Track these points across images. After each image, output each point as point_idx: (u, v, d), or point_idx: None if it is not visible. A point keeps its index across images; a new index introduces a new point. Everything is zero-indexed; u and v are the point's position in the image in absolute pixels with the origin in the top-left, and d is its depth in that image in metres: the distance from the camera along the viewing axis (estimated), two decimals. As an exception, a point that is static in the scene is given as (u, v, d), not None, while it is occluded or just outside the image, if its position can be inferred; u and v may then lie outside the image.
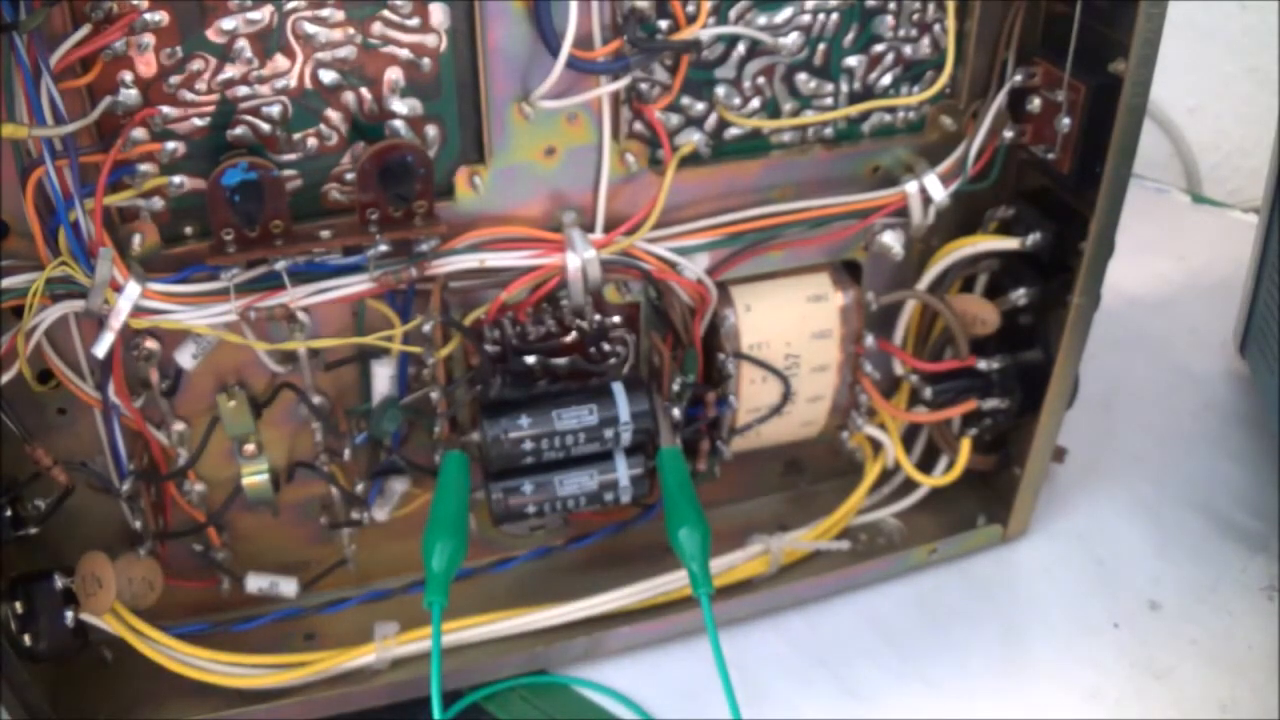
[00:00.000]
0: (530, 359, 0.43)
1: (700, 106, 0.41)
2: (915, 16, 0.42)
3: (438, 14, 0.36)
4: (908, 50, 0.43)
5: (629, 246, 0.41)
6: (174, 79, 0.35)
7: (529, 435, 0.41)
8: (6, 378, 0.36)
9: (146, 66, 0.34)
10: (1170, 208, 0.82)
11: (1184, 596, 0.51)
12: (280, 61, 0.35)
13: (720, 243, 0.43)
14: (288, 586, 0.44)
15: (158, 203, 0.36)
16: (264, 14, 0.35)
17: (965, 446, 0.50)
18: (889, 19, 0.42)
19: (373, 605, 0.46)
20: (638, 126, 0.41)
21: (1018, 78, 0.43)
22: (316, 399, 0.41)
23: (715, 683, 0.38)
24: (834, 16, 0.41)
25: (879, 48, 0.42)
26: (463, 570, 0.43)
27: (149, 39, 0.34)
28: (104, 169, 0.34)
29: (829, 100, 0.43)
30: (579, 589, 0.46)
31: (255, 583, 0.44)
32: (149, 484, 0.41)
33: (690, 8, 0.39)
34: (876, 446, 0.51)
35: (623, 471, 0.43)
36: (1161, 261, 0.74)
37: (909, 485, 0.52)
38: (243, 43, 0.35)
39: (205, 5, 0.34)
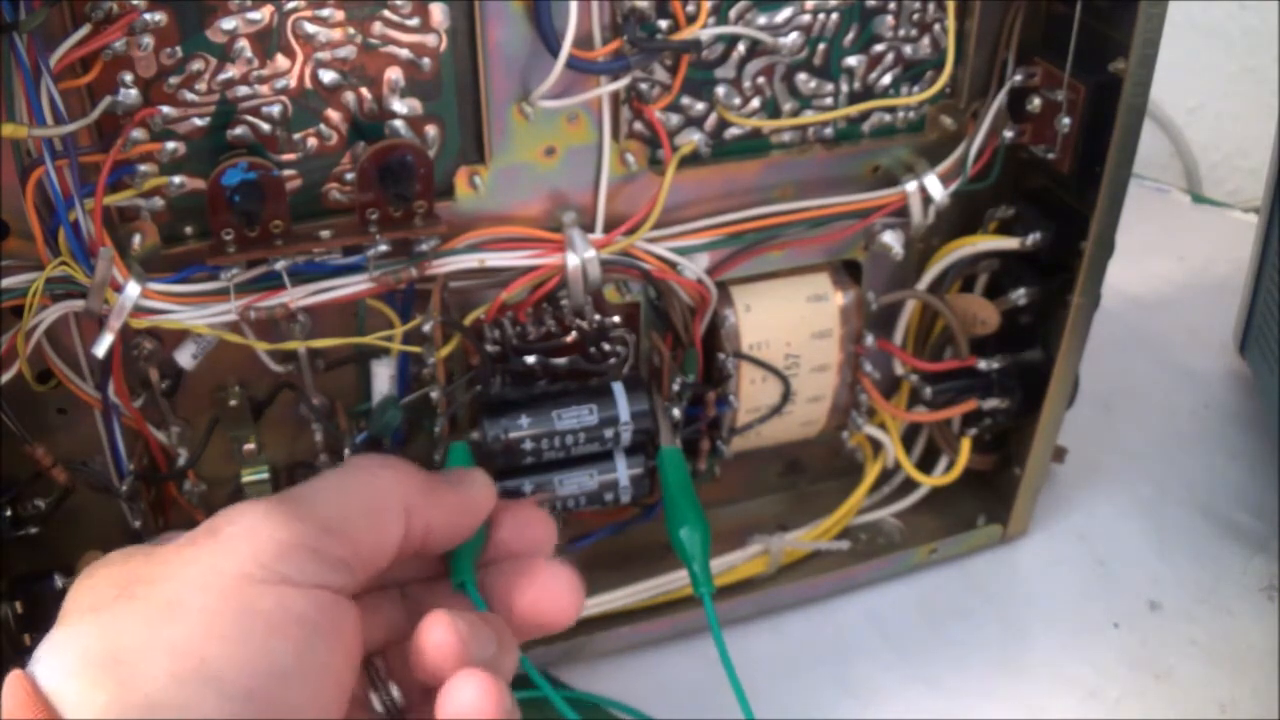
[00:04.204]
0: (530, 359, 0.43)
1: (700, 106, 0.41)
2: (915, 16, 0.42)
3: (438, 14, 0.36)
4: (908, 50, 0.43)
5: (629, 246, 0.41)
6: (174, 79, 0.35)
7: (529, 435, 0.41)
8: (6, 378, 0.36)
9: (146, 66, 0.34)
10: (1170, 208, 0.82)
11: (1184, 596, 0.51)
12: (280, 61, 0.35)
13: (720, 243, 0.43)
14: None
15: (158, 203, 0.36)
16: (264, 14, 0.35)
17: (965, 446, 0.50)
18: (889, 19, 0.42)
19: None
20: (638, 126, 0.41)
21: (1018, 78, 0.43)
22: (316, 399, 0.41)
23: (715, 683, 0.37)
24: (834, 16, 0.41)
25: (879, 47, 0.42)
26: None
27: (149, 39, 0.33)
28: (104, 169, 0.34)
29: (829, 100, 0.43)
30: (579, 589, 0.46)
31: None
32: (149, 484, 0.41)
33: (690, 8, 0.39)
34: (876, 446, 0.51)
35: (623, 471, 0.43)
36: (1161, 261, 0.74)
37: (909, 485, 0.52)
38: (243, 43, 0.35)
39: (205, 5, 0.34)
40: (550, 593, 0.33)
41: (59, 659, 0.26)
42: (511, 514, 0.35)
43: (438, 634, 0.29)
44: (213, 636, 0.26)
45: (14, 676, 0.25)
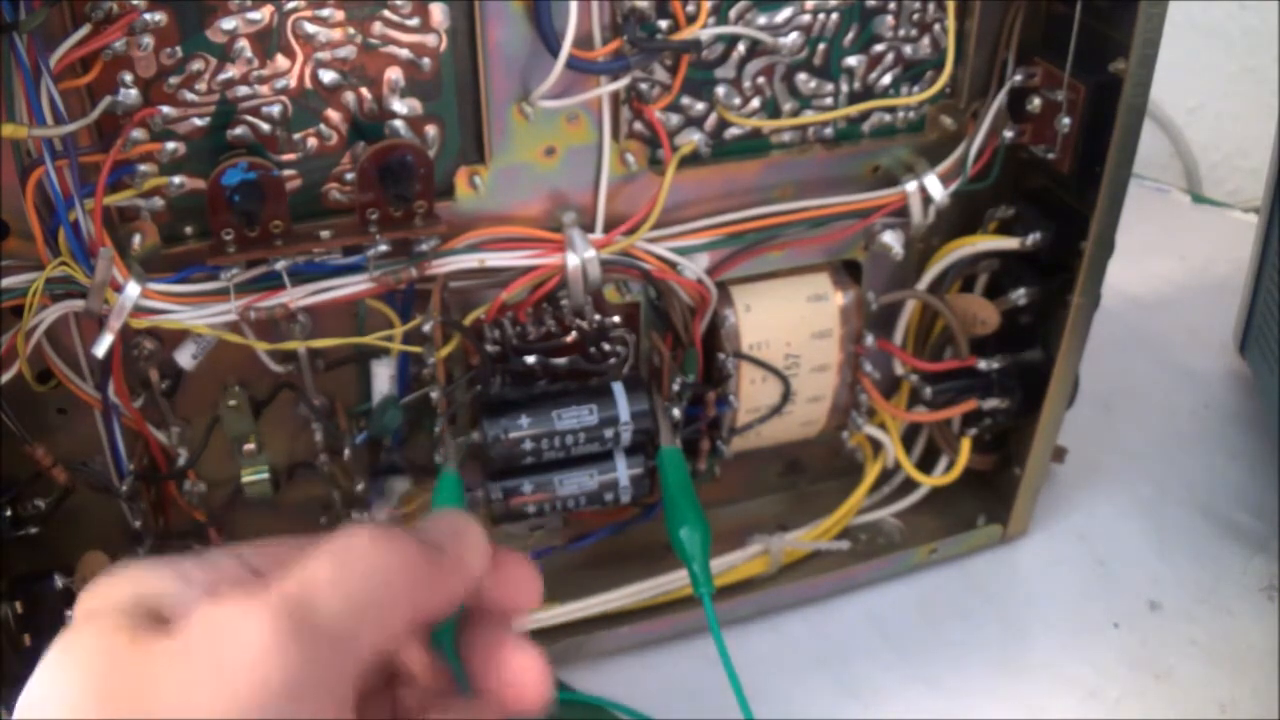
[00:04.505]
0: (530, 359, 0.43)
1: (700, 106, 0.41)
2: (915, 16, 0.42)
3: (438, 14, 0.36)
4: (908, 50, 0.43)
5: (629, 246, 0.41)
6: (174, 79, 0.35)
7: (529, 435, 0.41)
8: (6, 378, 0.36)
9: (146, 66, 0.34)
10: (1170, 208, 0.82)
11: (1184, 596, 0.51)
12: (280, 61, 0.35)
13: (720, 243, 0.43)
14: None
15: (158, 203, 0.36)
16: (264, 14, 0.35)
17: (965, 446, 0.50)
18: (889, 19, 0.42)
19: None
20: (638, 126, 0.41)
21: (1018, 78, 0.43)
22: (316, 399, 0.41)
23: (715, 682, 0.38)
24: (834, 16, 0.41)
25: (879, 47, 0.42)
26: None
27: (149, 39, 0.33)
28: (104, 169, 0.34)
29: (829, 100, 0.43)
30: (579, 589, 0.46)
31: (255, 583, 0.44)
32: (149, 484, 0.41)
33: (690, 8, 0.39)
34: (876, 446, 0.51)
35: (623, 471, 0.43)
36: (1161, 261, 0.74)
37: (909, 485, 0.52)
38: (243, 43, 0.35)
39: (205, 5, 0.34)
40: (528, 678, 0.33)
41: None
42: (501, 570, 0.35)
43: None
44: None
45: None
